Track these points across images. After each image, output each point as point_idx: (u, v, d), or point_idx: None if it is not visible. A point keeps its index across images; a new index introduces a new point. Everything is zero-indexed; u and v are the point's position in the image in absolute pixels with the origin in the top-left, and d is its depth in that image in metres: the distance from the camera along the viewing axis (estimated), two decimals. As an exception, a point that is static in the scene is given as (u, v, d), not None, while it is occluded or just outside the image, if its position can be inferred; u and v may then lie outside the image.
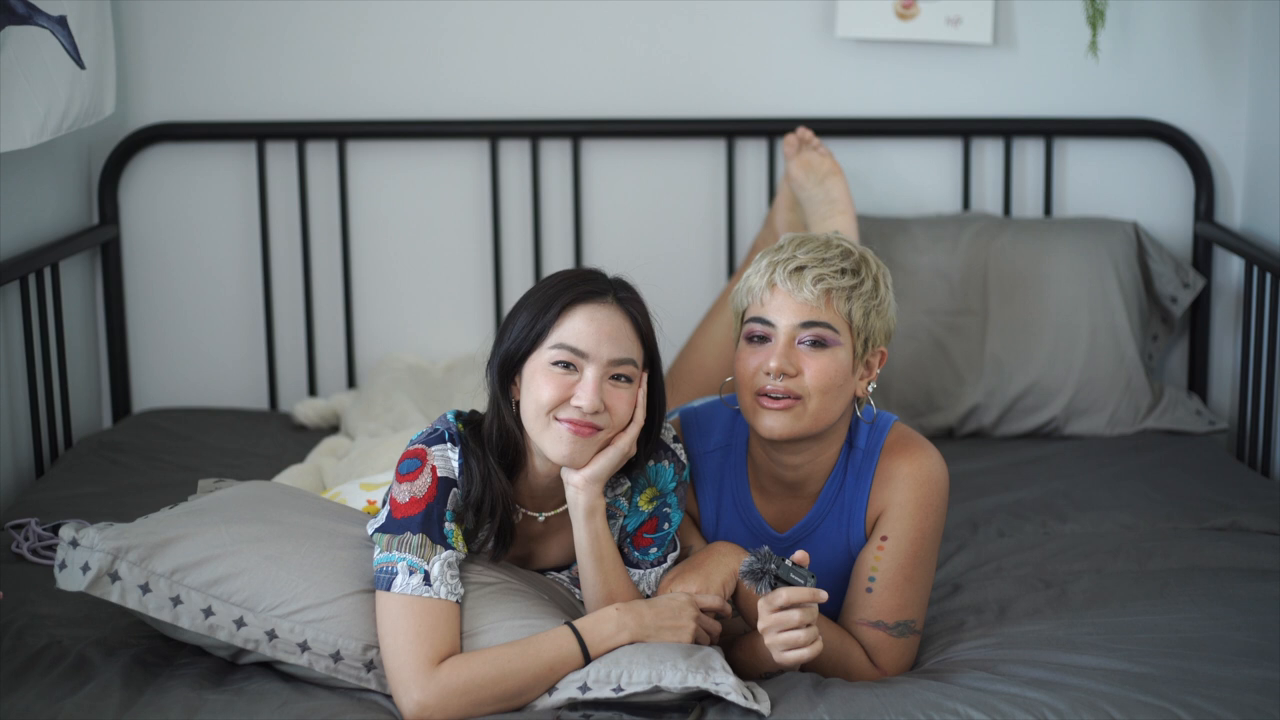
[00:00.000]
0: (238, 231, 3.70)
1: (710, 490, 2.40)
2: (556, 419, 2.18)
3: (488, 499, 2.21)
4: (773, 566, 2.11)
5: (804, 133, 3.31)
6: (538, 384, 2.18)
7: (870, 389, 2.33)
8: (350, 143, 3.67)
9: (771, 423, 2.25)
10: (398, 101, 3.67)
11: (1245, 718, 2.09)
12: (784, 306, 2.26)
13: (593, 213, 3.71)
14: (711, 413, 2.42)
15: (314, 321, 3.72)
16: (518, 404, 2.22)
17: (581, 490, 2.22)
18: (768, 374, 2.24)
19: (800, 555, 2.14)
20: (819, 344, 2.25)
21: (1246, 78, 3.60)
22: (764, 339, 2.27)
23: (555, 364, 2.18)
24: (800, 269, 2.26)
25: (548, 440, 2.19)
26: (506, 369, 2.23)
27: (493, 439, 2.23)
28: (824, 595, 2.12)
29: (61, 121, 3.09)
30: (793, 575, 2.11)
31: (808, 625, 2.12)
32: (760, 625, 2.13)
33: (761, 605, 2.12)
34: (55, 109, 3.05)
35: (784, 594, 2.10)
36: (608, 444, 2.21)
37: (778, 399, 2.24)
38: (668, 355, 3.28)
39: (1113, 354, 3.45)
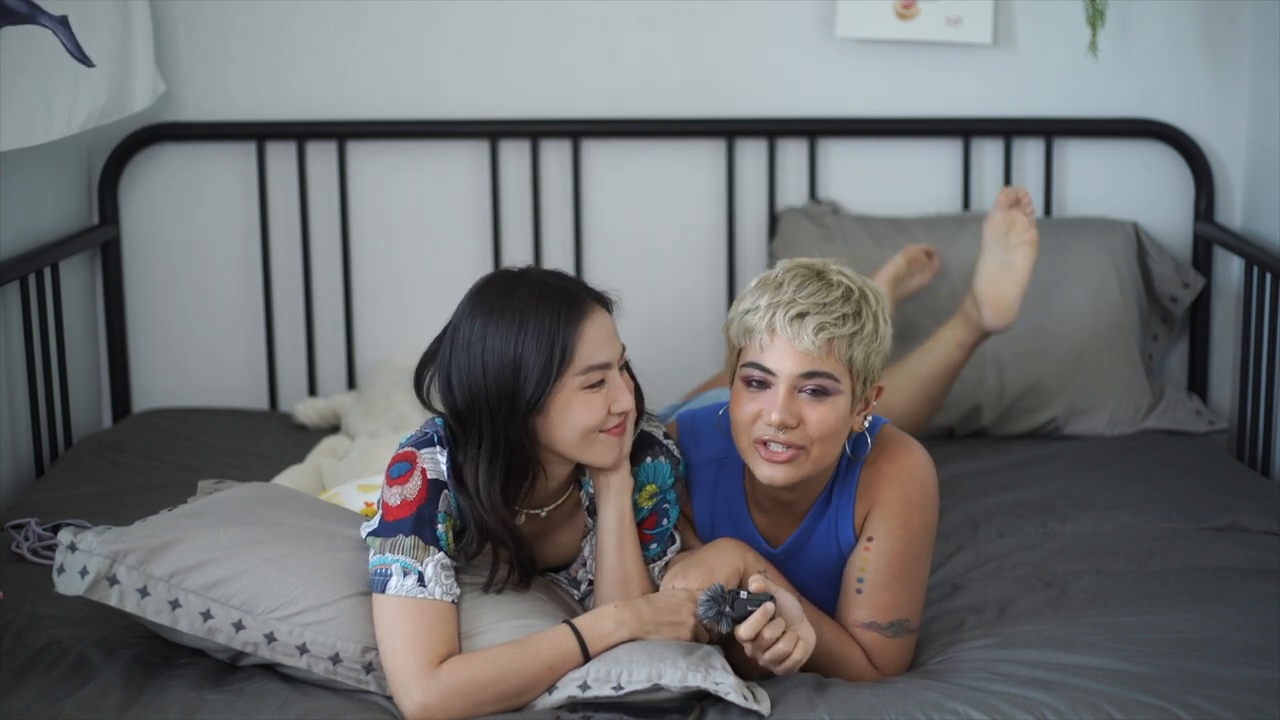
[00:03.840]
0: (238, 231, 3.70)
1: (703, 501, 2.40)
2: (599, 431, 2.20)
3: (495, 542, 2.24)
4: (728, 609, 2.14)
5: (1021, 191, 3.16)
6: (576, 411, 2.18)
7: (866, 422, 2.30)
8: (350, 143, 3.66)
9: (772, 473, 2.23)
10: (398, 101, 3.67)
11: (1245, 718, 2.09)
12: (784, 354, 2.20)
13: (593, 213, 3.71)
14: (709, 422, 2.40)
15: (314, 321, 3.72)
16: (531, 432, 2.21)
17: (616, 471, 2.25)
18: (769, 425, 2.20)
19: (757, 585, 2.16)
20: (820, 392, 2.21)
21: (1246, 78, 3.60)
22: (763, 384, 2.22)
23: (589, 386, 2.19)
24: (801, 315, 2.19)
25: (596, 453, 2.22)
26: (525, 413, 2.19)
27: (494, 482, 2.20)
28: (772, 608, 2.13)
29: (70, 120, 3.09)
30: (747, 608, 2.14)
31: (784, 634, 2.14)
32: (748, 654, 2.17)
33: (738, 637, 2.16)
34: (60, 107, 3.05)
35: (742, 631, 2.13)
36: None
37: (779, 449, 2.21)
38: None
39: (1113, 354, 3.45)
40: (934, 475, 2.34)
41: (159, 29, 3.59)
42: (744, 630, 2.13)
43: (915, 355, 3.19)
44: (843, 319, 2.20)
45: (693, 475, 2.39)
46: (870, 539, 2.31)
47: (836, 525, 2.34)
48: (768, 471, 2.23)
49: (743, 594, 2.15)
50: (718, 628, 2.16)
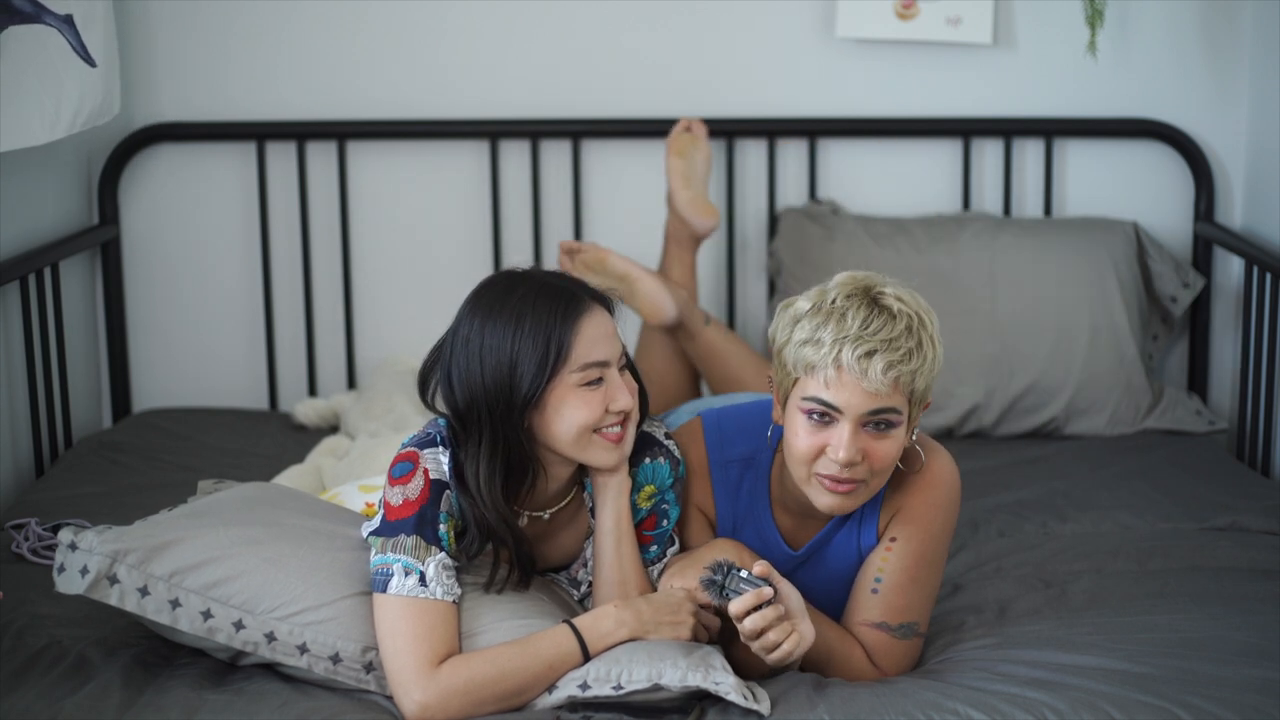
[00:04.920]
0: (238, 231, 3.70)
1: (725, 499, 2.39)
2: (595, 432, 2.20)
3: (495, 542, 2.23)
4: (719, 578, 2.15)
5: (567, 243, 3.19)
6: (571, 408, 2.18)
7: (913, 437, 2.29)
8: (350, 143, 3.67)
9: (831, 502, 2.22)
10: (398, 101, 3.67)
11: (1245, 718, 2.09)
12: (852, 392, 2.17)
13: (593, 213, 3.71)
14: (738, 422, 2.39)
15: (314, 321, 3.72)
16: (529, 430, 2.21)
17: (615, 473, 2.25)
18: (835, 462, 2.19)
19: (760, 569, 2.15)
20: (884, 426, 2.19)
21: (1246, 78, 3.60)
22: (825, 418, 2.20)
23: (587, 384, 2.19)
24: (870, 354, 2.16)
25: (594, 454, 2.21)
26: (521, 410, 2.19)
27: (495, 480, 2.20)
28: (769, 592, 2.12)
29: (74, 119, 3.10)
30: (742, 586, 2.13)
31: (777, 623, 2.12)
32: (743, 639, 2.16)
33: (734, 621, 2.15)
34: (66, 106, 3.06)
35: (732, 608, 2.13)
36: None
37: (841, 482, 2.21)
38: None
39: (1113, 354, 3.45)
40: (959, 481, 2.35)
41: (161, 29, 3.60)
42: (733, 607, 2.12)
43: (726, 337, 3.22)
44: (908, 355, 2.18)
45: (717, 474, 2.38)
46: (893, 539, 2.31)
47: (860, 528, 2.34)
48: (829, 502, 2.22)
49: (743, 573, 2.15)
50: (708, 599, 2.16)
